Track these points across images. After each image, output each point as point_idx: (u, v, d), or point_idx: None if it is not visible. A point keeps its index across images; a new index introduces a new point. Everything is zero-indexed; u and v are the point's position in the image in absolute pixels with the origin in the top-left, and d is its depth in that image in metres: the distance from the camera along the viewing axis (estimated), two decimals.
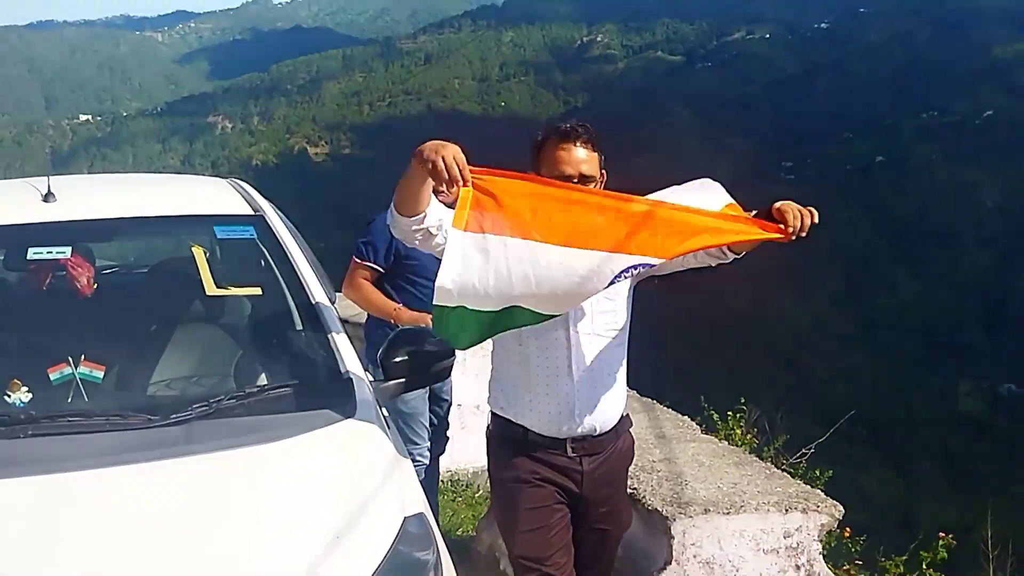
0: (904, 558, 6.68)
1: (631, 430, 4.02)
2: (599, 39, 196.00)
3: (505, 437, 3.76)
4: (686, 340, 77.87)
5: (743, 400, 8.31)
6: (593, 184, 3.60)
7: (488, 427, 3.91)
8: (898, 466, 65.33)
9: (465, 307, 3.44)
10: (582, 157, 3.58)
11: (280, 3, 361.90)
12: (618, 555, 4.78)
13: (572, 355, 3.62)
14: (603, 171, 3.71)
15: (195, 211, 4.79)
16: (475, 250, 3.40)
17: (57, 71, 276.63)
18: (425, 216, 3.45)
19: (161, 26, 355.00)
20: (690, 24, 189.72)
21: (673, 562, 4.50)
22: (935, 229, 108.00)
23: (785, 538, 4.49)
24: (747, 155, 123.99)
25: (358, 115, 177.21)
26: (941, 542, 6.63)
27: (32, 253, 4.35)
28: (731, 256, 3.71)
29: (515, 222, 3.43)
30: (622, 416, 3.84)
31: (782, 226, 3.43)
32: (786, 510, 4.51)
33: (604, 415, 3.70)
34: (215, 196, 5.07)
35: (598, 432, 3.68)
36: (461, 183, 3.33)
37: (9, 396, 3.82)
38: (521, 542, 3.72)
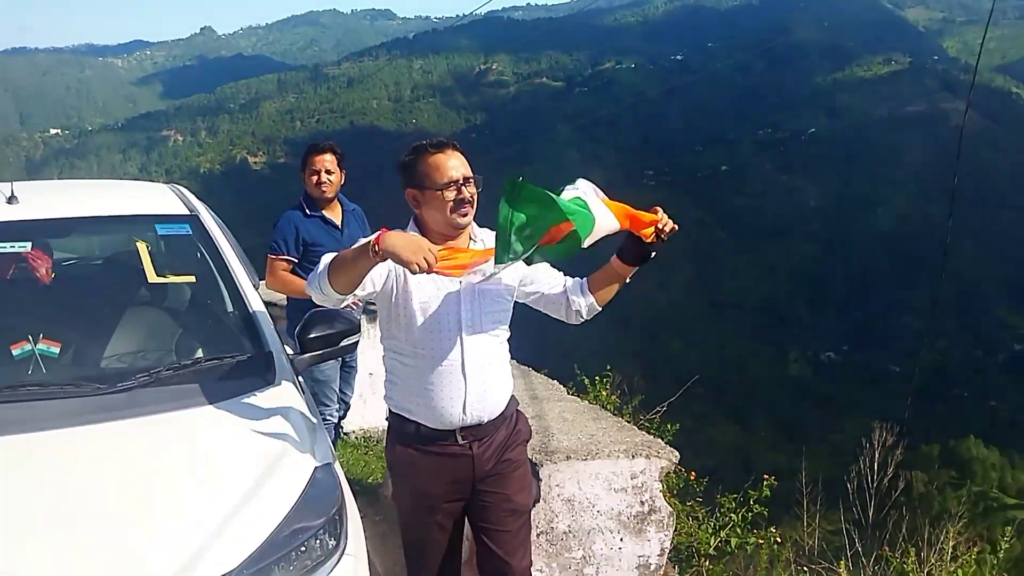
0: (736, 495, 6.84)
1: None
2: (494, 67, 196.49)
3: (400, 432, 3.56)
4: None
5: (608, 368, 8.44)
6: (473, 185, 3.42)
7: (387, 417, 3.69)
8: (739, 421, 66.73)
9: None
10: (463, 161, 3.44)
11: (224, 34, 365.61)
12: None
13: (464, 355, 3.44)
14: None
15: (139, 211, 4.77)
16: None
17: (30, 91, 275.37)
18: (362, 287, 3.28)
19: (121, 53, 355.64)
20: (569, 55, 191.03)
21: (542, 500, 4.53)
22: (768, 225, 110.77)
23: (632, 479, 4.56)
24: (616, 164, 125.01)
25: (291, 130, 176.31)
26: (766, 482, 6.69)
27: None
28: (580, 319, 3.65)
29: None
30: (510, 401, 3.68)
31: (656, 218, 3.37)
32: (632, 456, 4.57)
33: (493, 405, 3.54)
34: (157, 198, 5.04)
35: (486, 420, 3.51)
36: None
37: None
38: (409, 539, 3.72)
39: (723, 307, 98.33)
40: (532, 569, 4.50)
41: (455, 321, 3.42)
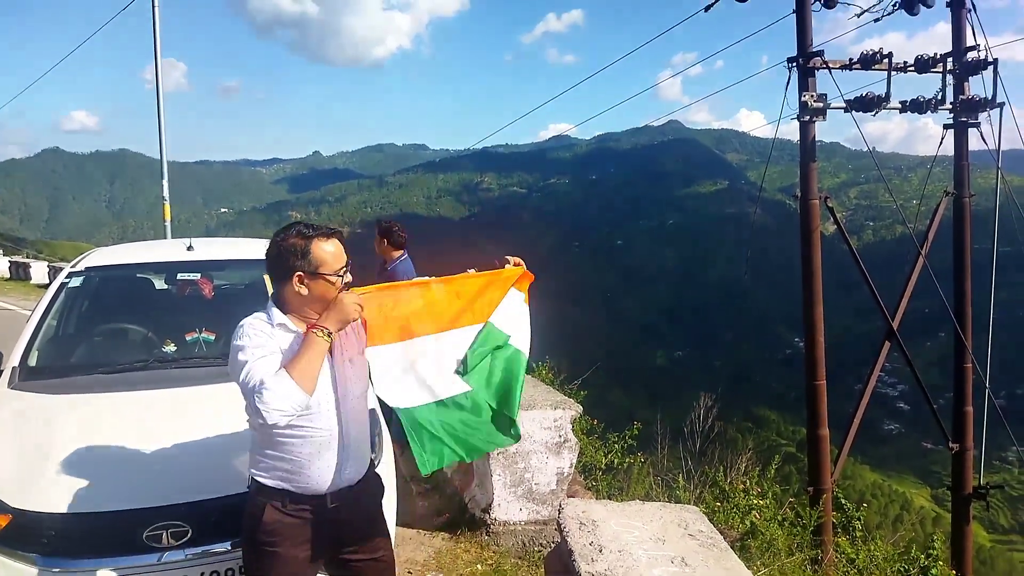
0: (618, 434, 6.78)
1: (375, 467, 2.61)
2: (485, 180, 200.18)
3: (265, 501, 2.23)
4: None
5: (547, 357, 8.28)
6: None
7: (249, 486, 2.32)
8: (624, 391, 66.54)
9: (418, 407, 2.55)
10: (337, 246, 2.27)
11: (327, 155, 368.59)
12: None
13: (342, 426, 2.25)
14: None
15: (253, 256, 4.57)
16: (391, 358, 2.54)
17: (210, 186, 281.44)
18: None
19: (265, 165, 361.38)
20: (530, 174, 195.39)
21: None
22: (645, 275, 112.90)
23: (554, 421, 4.44)
24: (557, 238, 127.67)
25: (365, 214, 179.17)
26: (636, 426, 6.65)
27: (179, 276, 4.31)
28: None
29: (397, 329, 2.58)
30: (372, 464, 2.48)
31: (521, 265, 2.86)
32: (555, 408, 4.46)
33: (361, 465, 2.36)
34: (257, 249, 4.95)
35: (356, 481, 2.32)
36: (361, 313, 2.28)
37: (165, 348, 3.75)
38: None
39: (617, 322, 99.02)
40: (493, 477, 4.44)
41: (330, 397, 2.25)
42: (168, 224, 14.38)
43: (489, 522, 4.41)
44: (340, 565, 2.39)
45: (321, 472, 2.25)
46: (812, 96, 6.95)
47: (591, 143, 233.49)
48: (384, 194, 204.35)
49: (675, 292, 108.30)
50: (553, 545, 4.32)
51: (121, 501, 2.62)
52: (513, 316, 2.87)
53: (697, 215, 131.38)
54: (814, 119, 7.04)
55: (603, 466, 6.51)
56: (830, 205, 7.28)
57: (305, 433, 2.22)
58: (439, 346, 2.70)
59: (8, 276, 26.42)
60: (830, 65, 7.25)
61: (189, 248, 4.36)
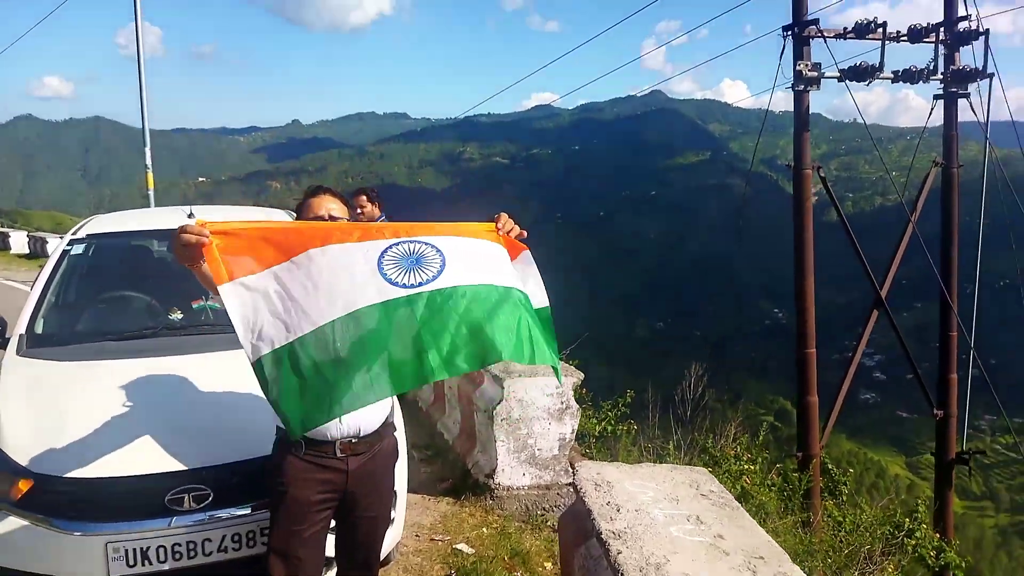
0: (610, 402, 6.86)
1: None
2: (467, 150, 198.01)
3: (284, 442, 2.36)
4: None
5: None
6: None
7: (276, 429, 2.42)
8: (609, 360, 67.11)
9: (282, 348, 2.00)
10: (329, 200, 2.50)
11: (306, 124, 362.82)
12: (476, 396, 4.71)
13: None
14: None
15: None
16: (249, 291, 2.04)
17: (187, 155, 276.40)
18: None
19: (243, 133, 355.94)
20: (513, 144, 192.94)
21: (504, 400, 4.39)
22: (626, 247, 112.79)
23: (556, 388, 4.49)
24: (539, 210, 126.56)
25: (346, 184, 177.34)
26: (627, 396, 6.82)
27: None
28: None
29: (271, 253, 2.08)
30: (386, 422, 2.52)
31: (496, 225, 2.37)
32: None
33: (368, 419, 2.40)
34: (280, 217, 4.81)
35: (362, 434, 2.38)
36: (206, 241, 2.06)
37: (171, 316, 3.74)
38: (274, 535, 2.37)
39: (598, 294, 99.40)
40: (497, 443, 4.51)
41: None
42: (152, 192, 14.20)
43: (493, 487, 4.48)
44: (345, 516, 2.47)
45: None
46: (807, 65, 6.97)
47: (574, 113, 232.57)
48: (365, 164, 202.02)
49: (657, 264, 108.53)
50: (562, 507, 4.41)
51: (143, 466, 2.64)
52: (492, 261, 2.31)
53: (679, 186, 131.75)
54: (808, 89, 7.07)
55: (596, 433, 6.61)
56: (822, 175, 7.34)
57: None
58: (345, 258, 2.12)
59: None
60: (825, 34, 7.26)
61: (190, 216, 4.30)
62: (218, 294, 2.07)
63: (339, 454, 2.34)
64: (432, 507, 4.47)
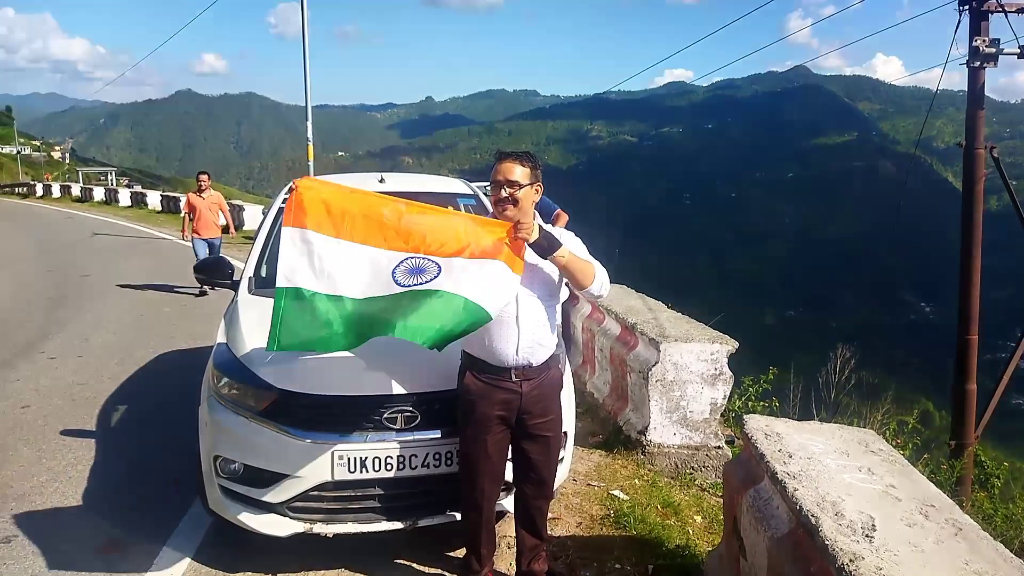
0: (751, 379, 6.79)
1: (560, 365, 3.09)
2: (595, 128, 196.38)
3: (469, 365, 2.90)
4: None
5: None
6: (517, 188, 2.78)
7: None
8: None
9: (307, 290, 2.78)
10: (515, 169, 2.79)
11: (438, 101, 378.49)
12: (630, 358, 4.94)
13: (519, 309, 2.79)
14: (538, 184, 2.87)
15: (450, 190, 4.92)
16: (304, 243, 2.80)
17: (328, 130, 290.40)
18: None
19: (379, 110, 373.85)
20: (642, 122, 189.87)
21: (658, 363, 4.61)
22: (759, 231, 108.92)
23: (711, 355, 4.65)
24: (667, 191, 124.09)
25: (474, 161, 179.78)
26: (770, 373, 6.66)
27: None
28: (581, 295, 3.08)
29: (331, 225, 2.83)
30: (553, 355, 2.94)
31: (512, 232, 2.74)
32: (711, 341, 4.66)
33: (538, 353, 2.84)
34: (458, 185, 5.18)
35: (534, 364, 2.84)
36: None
37: None
38: (464, 444, 2.91)
39: (726, 279, 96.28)
40: (650, 403, 4.73)
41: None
42: (312, 164, 15.23)
43: (645, 443, 4.74)
44: (521, 435, 2.92)
45: (501, 347, 2.81)
46: (984, 41, 6.62)
47: (709, 90, 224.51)
48: (494, 141, 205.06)
49: (791, 250, 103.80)
50: (711, 468, 4.61)
51: (366, 388, 3.09)
52: (482, 280, 2.74)
53: (821, 168, 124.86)
54: (984, 65, 6.72)
55: (736, 408, 6.67)
56: (995, 155, 6.99)
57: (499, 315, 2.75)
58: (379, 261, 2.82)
59: (129, 204, 31.27)
60: (1006, 8, 6.86)
61: (381, 181, 4.77)
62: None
63: (514, 379, 2.83)
64: (586, 457, 4.78)
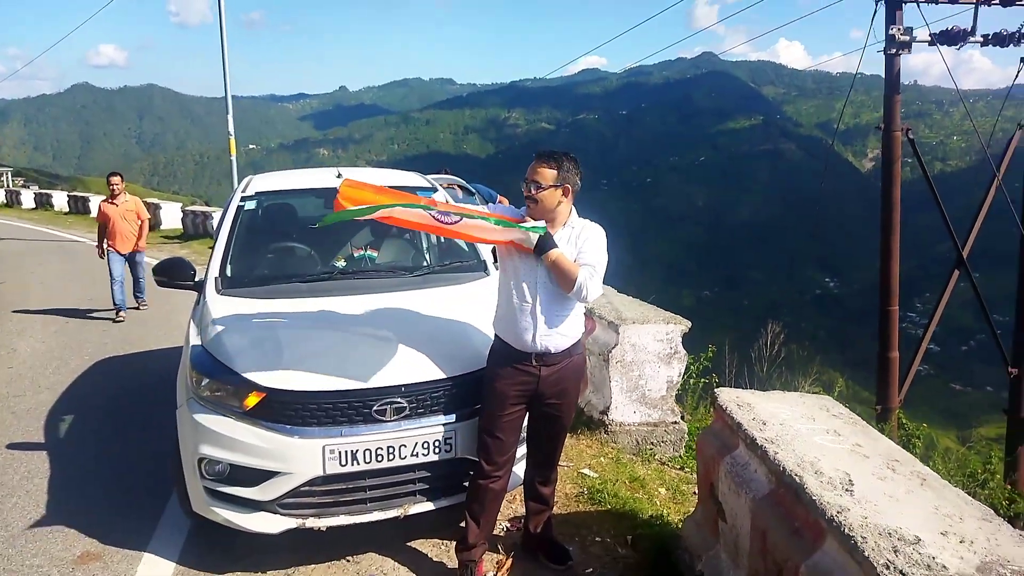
0: (693, 356, 7.11)
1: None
2: (513, 116, 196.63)
3: (495, 347, 3.14)
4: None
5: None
6: (538, 189, 2.98)
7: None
8: None
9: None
10: (539, 169, 2.99)
11: (353, 90, 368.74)
12: (590, 342, 5.05)
13: (538, 298, 2.97)
14: (565, 185, 3.05)
15: (408, 183, 4.80)
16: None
17: (238, 121, 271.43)
18: None
19: (291, 100, 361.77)
20: (558, 110, 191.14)
21: (617, 344, 4.80)
22: (673, 215, 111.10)
23: (667, 335, 4.84)
24: (588, 176, 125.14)
25: (391, 152, 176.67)
26: (710, 351, 6.99)
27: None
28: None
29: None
30: (575, 344, 3.11)
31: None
32: (666, 322, 4.84)
33: (557, 341, 3.02)
34: (414, 178, 5.08)
35: (553, 351, 3.02)
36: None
37: (336, 262, 4.22)
38: (483, 418, 3.12)
39: (645, 262, 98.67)
40: (611, 383, 4.90)
41: (533, 278, 2.98)
42: (235, 159, 14.78)
43: (607, 423, 4.92)
44: (536, 413, 3.16)
45: (521, 332, 3.01)
46: (900, 30, 7.09)
47: (622, 77, 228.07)
48: (411, 131, 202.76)
49: (705, 232, 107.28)
50: (668, 443, 4.82)
51: (353, 382, 3.11)
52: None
53: (730, 152, 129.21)
54: (900, 52, 7.20)
55: (679, 388, 6.95)
56: (911, 137, 7.50)
57: (510, 297, 3.04)
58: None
59: (34, 205, 30.33)
60: None
61: (338, 176, 4.73)
62: None
63: (534, 363, 3.03)
64: None
